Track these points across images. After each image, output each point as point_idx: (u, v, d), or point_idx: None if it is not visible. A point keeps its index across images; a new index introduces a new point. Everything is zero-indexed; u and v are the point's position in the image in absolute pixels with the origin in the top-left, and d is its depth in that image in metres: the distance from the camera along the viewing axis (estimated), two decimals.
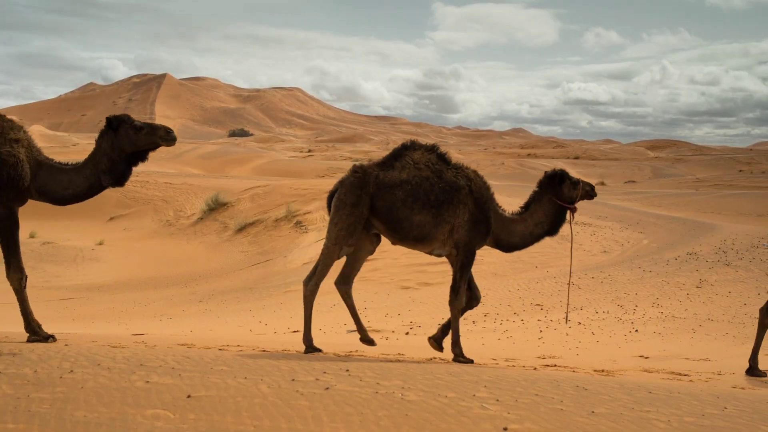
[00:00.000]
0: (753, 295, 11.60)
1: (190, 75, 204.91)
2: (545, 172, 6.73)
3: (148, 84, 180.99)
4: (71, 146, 70.03)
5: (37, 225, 28.12)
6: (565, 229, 6.86)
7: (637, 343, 9.03)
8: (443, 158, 6.35)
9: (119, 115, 5.94)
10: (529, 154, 75.50)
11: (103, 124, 5.99)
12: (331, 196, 6.40)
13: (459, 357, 6.23)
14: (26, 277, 6.07)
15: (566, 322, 9.08)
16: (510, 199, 29.62)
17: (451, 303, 6.30)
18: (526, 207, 6.61)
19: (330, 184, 31.34)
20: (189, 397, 3.91)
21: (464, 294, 6.30)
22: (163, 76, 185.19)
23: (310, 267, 6.51)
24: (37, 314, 6.03)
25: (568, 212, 6.62)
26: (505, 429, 3.53)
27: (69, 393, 3.94)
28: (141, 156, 5.98)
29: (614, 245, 18.49)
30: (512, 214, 6.55)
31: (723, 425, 3.87)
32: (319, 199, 26.64)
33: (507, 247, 6.63)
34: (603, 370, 6.72)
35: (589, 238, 19.32)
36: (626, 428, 3.67)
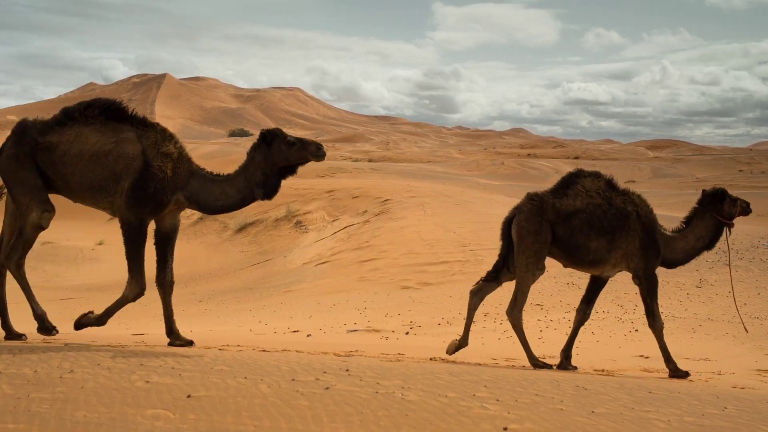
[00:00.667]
0: (753, 295, 11.60)
1: (191, 75, 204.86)
2: (704, 190, 7.06)
3: (148, 84, 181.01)
4: None
5: None
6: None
7: (637, 343, 9.03)
8: (611, 185, 6.68)
9: (273, 129, 6.04)
10: (529, 154, 75.49)
11: (255, 137, 6.09)
12: (507, 222, 6.74)
13: (675, 372, 6.43)
14: (143, 292, 6.15)
15: (746, 332, 8.90)
16: (510, 199, 29.60)
17: (652, 326, 6.61)
18: (687, 223, 6.91)
19: (330, 184, 31.36)
20: (189, 397, 3.91)
21: (659, 315, 6.65)
22: (163, 76, 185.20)
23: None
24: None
25: (725, 228, 6.94)
26: (505, 429, 3.53)
27: (69, 393, 3.94)
28: (291, 170, 6.06)
29: None
30: (673, 231, 6.84)
31: (723, 425, 3.87)
32: (319, 199, 26.66)
33: (670, 263, 6.90)
34: (603, 370, 6.72)
35: None
36: (626, 428, 3.67)
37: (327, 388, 4.11)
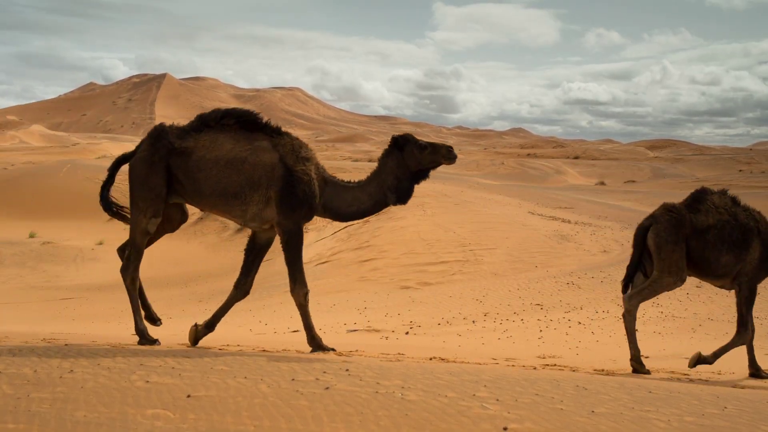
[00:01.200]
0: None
1: (191, 75, 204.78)
2: None
3: (147, 84, 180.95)
4: (71, 146, 70.07)
5: (37, 225, 28.12)
6: None
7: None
8: (735, 201, 6.97)
9: (404, 134, 6.15)
10: (528, 154, 75.49)
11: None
12: (643, 230, 6.94)
13: (757, 373, 6.67)
14: (308, 291, 6.44)
15: None
16: (510, 199, 29.55)
17: (740, 334, 6.79)
18: None
19: None
20: (189, 397, 3.91)
21: (752, 325, 6.83)
22: (163, 76, 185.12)
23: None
24: (38, 314, 6.03)
25: None
26: (505, 429, 3.53)
27: (69, 393, 3.94)
28: (424, 174, 6.17)
29: (614, 245, 18.49)
30: None
31: (723, 425, 3.87)
32: None
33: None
34: (603, 370, 6.73)
35: (589, 238, 19.32)
36: (626, 428, 3.67)
37: (327, 388, 4.11)
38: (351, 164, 53.44)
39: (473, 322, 11.17)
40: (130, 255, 6.18)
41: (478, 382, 4.48)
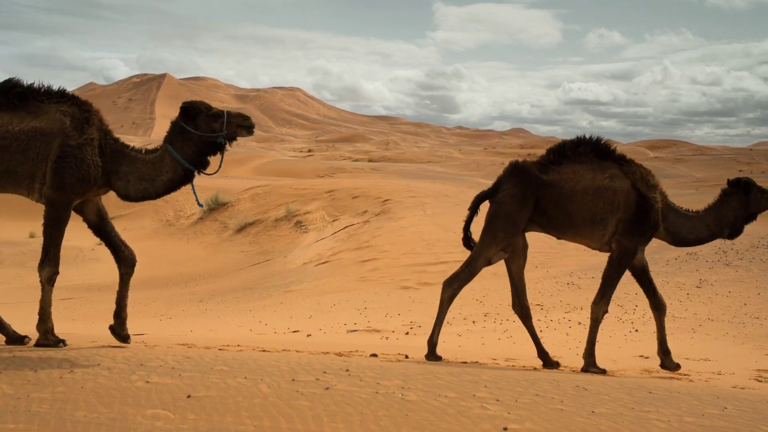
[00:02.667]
0: (753, 295, 11.60)
1: (192, 75, 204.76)
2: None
3: (148, 84, 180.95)
4: None
5: (38, 225, 28.08)
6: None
7: (637, 343, 9.02)
8: None
9: (747, 179, 6.70)
10: (529, 154, 75.37)
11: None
12: None
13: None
14: (606, 311, 6.62)
15: None
16: None
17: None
18: None
19: (330, 184, 31.35)
20: (189, 397, 3.91)
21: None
22: (163, 76, 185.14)
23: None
24: (37, 314, 6.03)
25: None
26: (505, 429, 3.53)
27: (69, 393, 3.94)
28: (754, 217, 6.68)
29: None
30: None
31: (723, 425, 3.87)
32: (319, 199, 26.65)
33: None
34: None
35: None
36: (626, 428, 3.67)
37: (327, 388, 4.11)
38: (351, 164, 53.44)
39: (473, 322, 11.17)
40: (461, 274, 6.55)
41: (478, 382, 4.48)
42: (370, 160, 63.17)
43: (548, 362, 6.68)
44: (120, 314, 5.93)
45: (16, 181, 5.52)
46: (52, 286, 5.61)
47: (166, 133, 5.68)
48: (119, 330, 5.93)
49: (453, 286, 6.51)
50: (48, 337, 5.59)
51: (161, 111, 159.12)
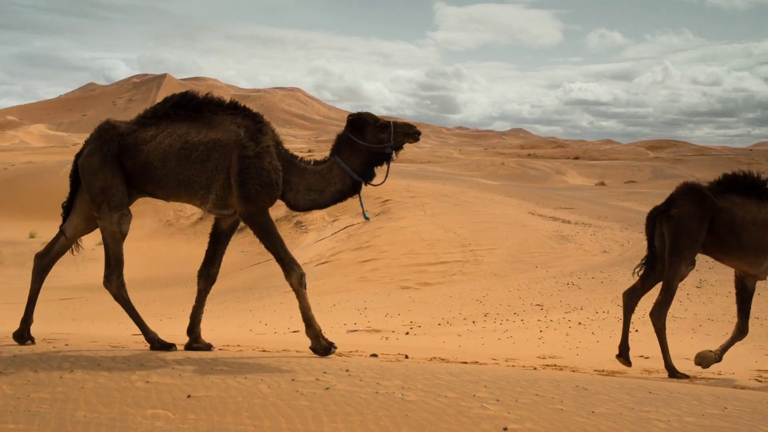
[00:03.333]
0: (753, 295, 11.59)
1: (193, 75, 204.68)
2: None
3: (148, 84, 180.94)
4: (71, 146, 70.05)
5: (37, 225, 28.10)
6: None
7: (637, 343, 9.02)
8: None
9: None
10: (529, 155, 75.47)
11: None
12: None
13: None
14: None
15: None
16: (510, 199, 29.60)
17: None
18: None
19: None
20: (189, 397, 3.91)
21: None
22: (163, 76, 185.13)
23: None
24: (38, 314, 6.04)
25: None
26: (505, 429, 3.53)
27: (69, 393, 3.94)
28: None
29: (614, 245, 18.49)
30: None
31: (723, 425, 3.87)
32: None
33: None
34: (603, 370, 6.72)
35: (589, 238, 19.32)
36: (626, 428, 3.67)
37: (327, 388, 4.11)
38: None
39: (473, 322, 11.18)
40: (663, 301, 6.79)
41: (478, 382, 4.48)
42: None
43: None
44: (193, 330, 5.91)
45: (193, 191, 5.55)
46: (305, 287, 5.54)
47: (332, 145, 5.73)
48: (195, 345, 5.88)
49: (661, 313, 6.81)
50: (320, 342, 5.52)
51: None
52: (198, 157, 5.45)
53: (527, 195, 30.96)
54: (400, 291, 14.72)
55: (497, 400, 4.00)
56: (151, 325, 6.18)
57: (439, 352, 7.42)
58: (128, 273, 6.11)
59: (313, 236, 22.84)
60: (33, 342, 5.72)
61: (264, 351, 6.23)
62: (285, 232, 24.39)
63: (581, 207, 27.71)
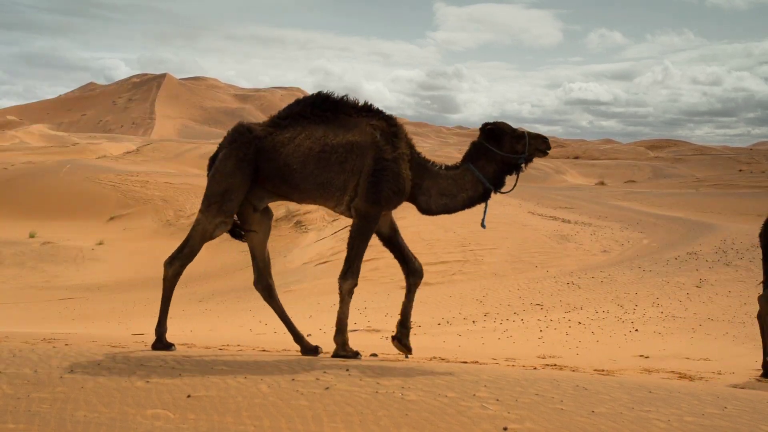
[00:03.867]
0: (753, 295, 11.60)
1: (194, 75, 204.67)
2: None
3: (148, 84, 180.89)
4: (71, 146, 70.06)
5: (37, 225, 28.11)
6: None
7: (637, 342, 9.03)
8: None
9: None
10: None
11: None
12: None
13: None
14: None
15: None
16: (510, 199, 29.57)
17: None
18: None
19: None
20: (189, 397, 3.91)
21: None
22: (163, 76, 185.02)
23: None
24: (38, 314, 6.03)
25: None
26: (505, 429, 3.53)
27: (69, 393, 3.94)
28: None
29: (614, 245, 18.49)
30: None
31: (723, 425, 3.87)
32: None
33: None
34: (603, 370, 6.72)
35: (589, 238, 19.32)
36: (626, 428, 3.67)
37: (327, 388, 4.11)
38: None
39: (473, 322, 11.18)
40: None
41: (478, 382, 4.48)
42: None
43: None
44: (405, 324, 5.88)
45: (329, 192, 5.56)
46: (351, 297, 5.60)
47: (466, 152, 5.79)
48: (404, 340, 5.87)
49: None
50: (346, 349, 5.53)
51: (161, 111, 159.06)
52: (337, 160, 5.47)
53: (527, 195, 30.96)
54: (400, 291, 14.69)
55: (497, 400, 4.00)
56: (151, 324, 6.18)
57: (439, 351, 7.42)
58: (129, 273, 6.12)
59: (313, 236, 22.83)
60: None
61: (264, 351, 6.23)
62: (285, 231, 24.40)
63: (581, 207, 27.71)
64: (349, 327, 11.08)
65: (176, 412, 3.69)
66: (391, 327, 10.77)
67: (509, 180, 5.76)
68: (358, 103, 5.73)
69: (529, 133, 5.68)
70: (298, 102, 5.74)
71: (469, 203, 5.76)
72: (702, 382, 6.11)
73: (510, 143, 5.62)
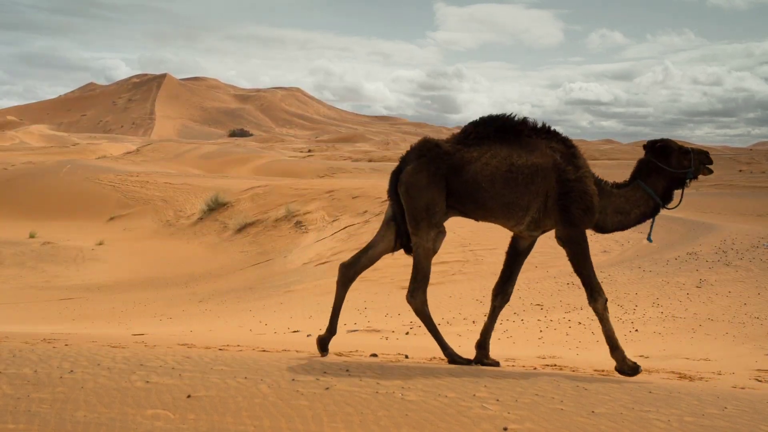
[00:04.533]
0: (753, 295, 11.60)
1: (194, 75, 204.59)
2: None
3: (148, 84, 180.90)
4: (71, 146, 70.05)
5: (37, 225, 28.11)
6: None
7: (637, 343, 9.02)
8: None
9: None
10: None
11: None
12: None
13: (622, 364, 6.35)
14: None
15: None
16: None
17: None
18: None
19: (330, 184, 31.43)
20: (189, 397, 3.91)
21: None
22: (163, 76, 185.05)
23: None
24: (38, 314, 6.03)
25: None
26: (505, 429, 3.53)
27: (69, 393, 3.94)
28: None
29: (614, 245, 18.49)
30: None
31: (723, 425, 3.87)
32: (319, 199, 26.65)
33: None
34: (603, 370, 6.72)
35: (589, 238, 19.29)
36: (626, 428, 3.67)
37: (327, 388, 4.11)
38: (351, 164, 53.42)
39: (473, 322, 11.17)
40: None
41: (478, 382, 4.48)
42: (370, 160, 63.14)
43: None
44: (484, 345, 5.96)
45: (512, 212, 5.65)
46: (608, 312, 5.79)
47: (634, 169, 5.98)
48: (487, 361, 5.92)
49: None
50: (626, 363, 5.70)
51: (161, 111, 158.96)
52: (523, 181, 5.59)
53: None
54: (400, 291, 14.70)
55: (497, 400, 4.00)
56: (151, 324, 6.19)
57: (439, 352, 7.40)
58: (129, 273, 6.12)
59: (313, 236, 22.83)
60: (325, 353, 5.78)
61: (264, 351, 6.23)
62: (285, 231, 24.40)
63: None
64: (349, 327, 11.09)
65: (176, 412, 3.69)
66: (391, 327, 10.77)
67: (675, 194, 6.00)
68: (537, 124, 5.87)
69: (694, 149, 5.93)
70: (484, 122, 5.86)
71: (641, 219, 5.99)
72: (702, 382, 6.11)
73: (677, 159, 5.87)
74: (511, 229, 5.83)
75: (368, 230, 20.42)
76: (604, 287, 13.11)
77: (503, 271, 6.06)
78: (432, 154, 5.62)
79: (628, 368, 5.63)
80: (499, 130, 5.72)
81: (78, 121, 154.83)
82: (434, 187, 5.55)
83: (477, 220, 5.88)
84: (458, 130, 6.04)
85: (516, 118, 5.81)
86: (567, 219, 5.62)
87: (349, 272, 5.98)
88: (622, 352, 5.70)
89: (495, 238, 18.61)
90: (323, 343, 5.79)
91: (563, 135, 5.89)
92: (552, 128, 5.89)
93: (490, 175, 5.56)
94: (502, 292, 6.01)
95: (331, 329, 5.89)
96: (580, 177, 5.66)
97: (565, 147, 5.76)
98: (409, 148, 5.81)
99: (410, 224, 5.63)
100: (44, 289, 19.26)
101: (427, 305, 5.69)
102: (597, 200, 5.72)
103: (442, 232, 5.66)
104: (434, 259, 5.73)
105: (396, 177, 5.74)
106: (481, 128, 5.77)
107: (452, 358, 5.69)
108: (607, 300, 5.71)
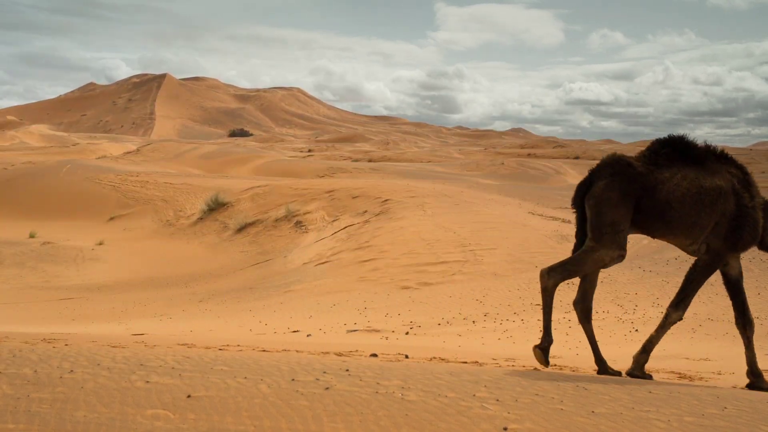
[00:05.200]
0: (753, 295, 11.60)
1: (194, 75, 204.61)
2: None
3: (148, 84, 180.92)
4: (71, 146, 70.06)
5: (37, 225, 28.11)
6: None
7: (637, 343, 9.02)
8: None
9: None
10: (529, 154, 75.46)
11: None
12: None
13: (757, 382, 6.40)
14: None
15: None
16: (510, 199, 29.53)
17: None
18: None
19: (330, 184, 31.43)
20: (189, 397, 3.91)
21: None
22: (163, 76, 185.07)
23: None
24: (38, 314, 6.04)
25: None
26: (505, 429, 3.53)
27: (69, 393, 3.94)
28: None
29: None
30: None
31: (723, 425, 3.87)
32: (319, 199, 26.66)
33: None
34: None
35: None
36: (626, 428, 3.67)
37: (327, 388, 4.11)
38: (351, 164, 53.43)
39: (473, 322, 11.18)
40: None
41: (478, 382, 4.48)
42: (370, 160, 63.18)
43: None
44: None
45: (693, 232, 5.85)
46: (671, 326, 5.99)
47: None
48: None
49: None
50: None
51: (161, 111, 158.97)
52: (709, 202, 5.80)
53: (527, 195, 30.97)
54: (400, 291, 14.72)
55: (497, 400, 4.00)
56: (151, 324, 6.19)
57: (439, 352, 7.42)
58: (129, 273, 6.12)
59: (313, 236, 22.84)
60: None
61: (264, 351, 6.23)
62: (285, 232, 24.40)
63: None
64: (349, 327, 11.11)
65: (176, 412, 3.69)
66: (391, 327, 10.78)
67: None
68: (717, 149, 6.07)
69: None
70: (666, 141, 6.02)
71: None
72: (702, 382, 6.11)
73: None
74: (685, 248, 6.03)
75: (368, 230, 20.43)
76: (605, 287, 13.14)
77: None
78: (627, 174, 5.78)
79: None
80: (684, 153, 5.94)
81: (78, 121, 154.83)
82: (624, 206, 5.74)
83: (655, 237, 6.08)
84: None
85: (698, 143, 6.04)
86: (732, 240, 5.83)
87: (584, 306, 6.36)
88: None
89: (495, 237, 18.62)
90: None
91: (740, 162, 6.13)
92: (729, 155, 6.11)
93: (681, 196, 5.77)
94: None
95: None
96: (754, 205, 5.89)
97: (741, 173, 6.01)
98: (600, 162, 5.96)
99: (593, 233, 5.83)
100: (44, 289, 19.26)
101: (555, 290, 5.99)
102: (761, 231, 5.97)
103: (622, 256, 5.87)
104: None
105: (583, 188, 5.93)
106: (669, 149, 5.96)
107: (544, 350, 5.79)
108: (680, 319, 5.94)
